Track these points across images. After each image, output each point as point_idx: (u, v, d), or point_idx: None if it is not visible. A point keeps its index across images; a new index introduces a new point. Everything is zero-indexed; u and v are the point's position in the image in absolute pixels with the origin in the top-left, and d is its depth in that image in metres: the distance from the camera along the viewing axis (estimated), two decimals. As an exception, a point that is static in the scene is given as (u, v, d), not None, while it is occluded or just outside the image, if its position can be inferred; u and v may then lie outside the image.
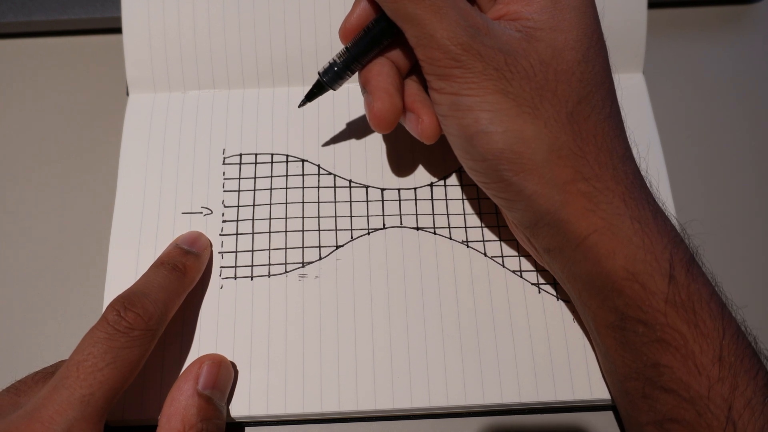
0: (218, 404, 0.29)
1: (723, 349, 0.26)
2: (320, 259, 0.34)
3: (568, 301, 0.33)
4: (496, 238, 0.34)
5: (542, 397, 0.31)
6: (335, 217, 0.35)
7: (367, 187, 0.36)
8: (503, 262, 0.34)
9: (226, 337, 0.32)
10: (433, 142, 0.31)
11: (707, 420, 0.25)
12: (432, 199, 0.35)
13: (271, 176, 0.36)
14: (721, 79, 0.41)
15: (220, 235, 0.34)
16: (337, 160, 0.36)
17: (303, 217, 0.35)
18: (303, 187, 0.36)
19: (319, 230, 0.35)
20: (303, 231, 0.35)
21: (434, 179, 0.36)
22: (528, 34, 0.27)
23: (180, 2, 0.37)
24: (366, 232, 0.35)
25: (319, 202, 0.35)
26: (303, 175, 0.36)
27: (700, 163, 0.38)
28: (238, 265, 0.34)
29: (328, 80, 0.32)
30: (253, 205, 0.35)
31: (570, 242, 0.28)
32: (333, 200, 0.35)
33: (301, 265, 0.34)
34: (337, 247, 0.34)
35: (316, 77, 0.32)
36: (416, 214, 0.35)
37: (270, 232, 0.35)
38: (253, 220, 0.35)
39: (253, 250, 0.34)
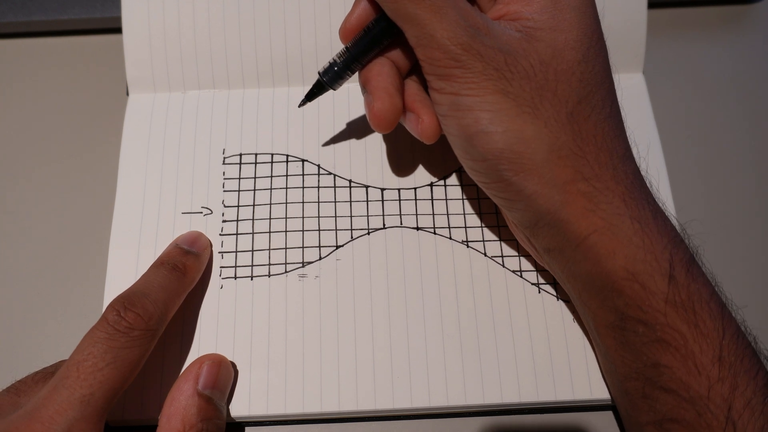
0: (218, 404, 0.29)
1: (723, 349, 0.26)
2: (320, 259, 0.34)
3: (568, 301, 0.33)
4: (496, 238, 0.34)
5: (542, 397, 0.31)
6: (335, 217, 0.35)
7: (367, 187, 0.36)
8: (503, 262, 0.34)
9: (226, 337, 0.32)
10: (433, 142, 0.31)
11: (707, 420, 0.25)
12: (432, 199, 0.35)
13: (271, 176, 0.36)
14: (721, 79, 0.41)
15: (220, 235, 0.34)
16: (337, 160, 0.36)
17: (303, 217, 0.35)
18: (303, 187, 0.36)
19: (319, 230, 0.35)
20: (303, 231, 0.35)
21: (434, 179, 0.36)
22: (528, 34, 0.27)
23: (180, 2, 0.37)
24: (366, 232, 0.35)
25: (319, 202, 0.35)
26: (303, 175, 0.36)
27: (700, 163, 0.38)
28: (238, 265, 0.34)
29: (328, 80, 0.32)
30: (253, 205, 0.35)
31: (570, 242, 0.28)
32: (333, 200, 0.35)
33: (301, 265, 0.34)
34: (337, 247, 0.34)
35: (316, 77, 0.32)
36: (416, 214, 0.35)
37: (270, 232, 0.35)
38: (253, 220, 0.35)
39: (253, 250, 0.34)
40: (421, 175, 0.36)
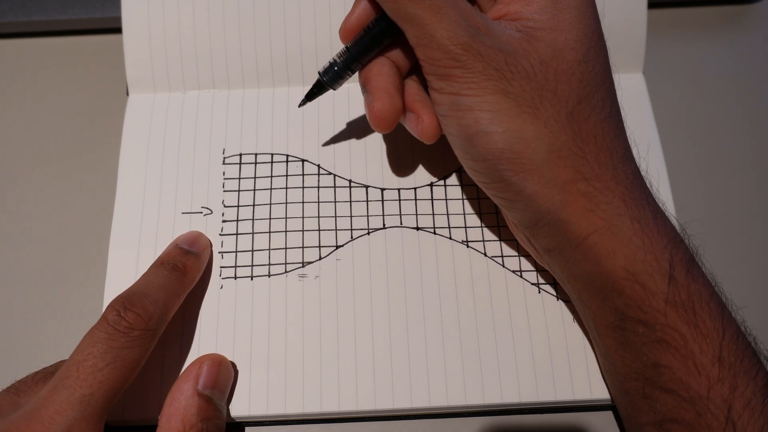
0: (218, 404, 0.29)
1: (723, 350, 0.26)
2: (320, 259, 0.34)
3: (568, 301, 0.33)
4: (496, 238, 0.34)
5: (542, 397, 0.31)
6: (335, 217, 0.35)
7: (367, 187, 0.36)
8: (503, 262, 0.34)
9: (226, 337, 0.32)
10: (433, 142, 0.31)
11: (707, 420, 0.25)
12: (432, 199, 0.35)
13: (271, 176, 0.36)
14: (721, 79, 0.41)
15: (220, 235, 0.34)
16: (337, 160, 0.36)
17: (303, 217, 0.35)
18: (303, 187, 0.36)
19: (319, 230, 0.35)
20: (303, 231, 0.35)
21: (434, 179, 0.36)
22: (528, 34, 0.27)
23: (180, 2, 0.37)
24: (366, 232, 0.35)
25: (319, 202, 0.35)
26: (303, 175, 0.36)
27: (700, 163, 0.38)
28: (238, 265, 0.34)
29: (328, 80, 0.32)
30: (253, 205, 0.35)
31: (570, 242, 0.28)
32: (333, 200, 0.35)
33: (301, 265, 0.34)
34: (337, 247, 0.34)
35: (316, 77, 0.32)
36: (416, 214, 0.35)
37: (270, 232, 0.35)
38: (253, 220, 0.35)
39: (253, 250, 0.34)
40: (421, 175, 0.36)
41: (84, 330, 0.27)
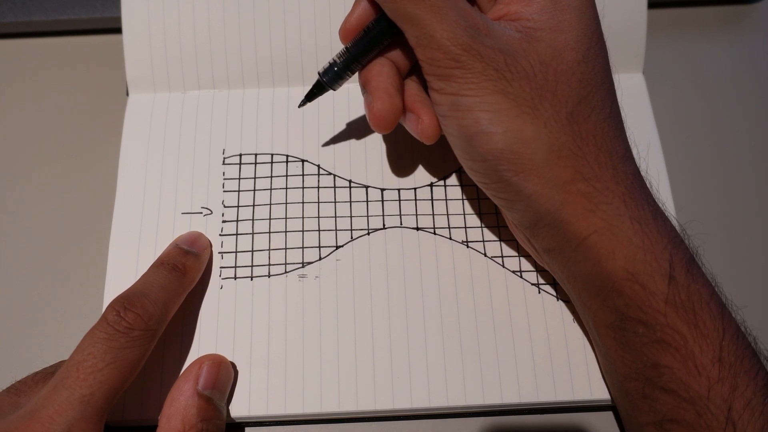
0: (218, 404, 0.29)
1: (723, 350, 0.26)
2: (320, 259, 0.34)
3: (568, 302, 0.33)
4: (496, 238, 0.34)
5: (542, 398, 0.31)
6: (335, 217, 0.35)
7: (367, 187, 0.36)
8: (503, 262, 0.34)
9: (226, 337, 0.32)
10: (433, 142, 0.31)
11: (707, 420, 0.25)
12: (432, 199, 0.35)
13: (271, 176, 0.36)
14: (721, 79, 0.41)
15: (220, 235, 0.34)
16: (337, 160, 0.36)
17: (303, 218, 0.35)
18: (303, 188, 0.36)
19: (319, 230, 0.35)
20: (303, 231, 0.35)
21: (434, 179, 0.36)
22: (528, 34, 0.27)
23: (180, 2, 0.37)
24: (366, 232, 0.35)
25: (318, 203, 0.35)
26: (303, 175, 0.36)
27: (700, 163, 0.38)
28: (238, 265, 0.34)
29: (328, 80, 0.32)
30: (253, 206, 0.35)
31: (570, 242, 0.28)
32: (333, 200, 0.35)
33: (300, 265, 0.34)
34: (337, 247, 0.34)
35: (316, 77, 0.32)
36: (416, 215, 0.35)
37: (270, 233, 0.35)
38: (252, 220, 0.35)
39: (252, 251, 0.34)
40: (421, 175, 0.36)
41: (84, 330, 0.27)
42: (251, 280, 0.33)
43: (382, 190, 0.36)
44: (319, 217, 0.35)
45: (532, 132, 0.27)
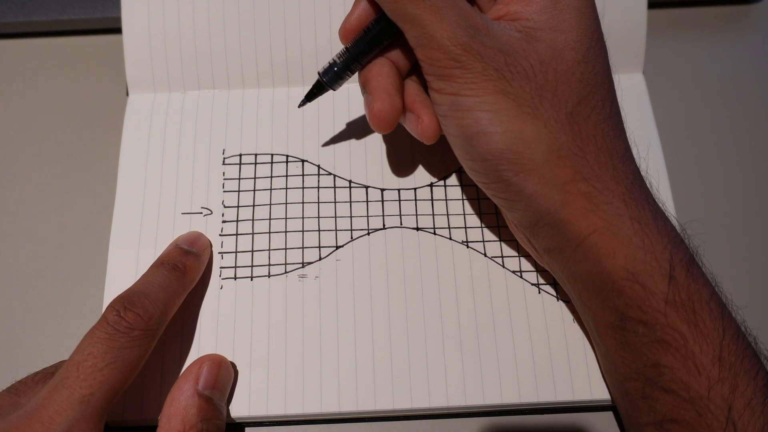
0: (218, 404, 0.29)
1: (723, 350, 0.26)
2: (320, 259, 0.34)
3: (568, 302, 0.33)
4: (496, 239, 0.34)
5: (542, 398, 0.31)
6: (335, 217, 0.35)
7: (367, 187, 0.36)
8: (503, 262, 0.34)
9: (226, 337, 0.32)
10: (433, 142, 0.31)
11: (707, 420, 0.25)
12: (432, 200, 0.35)
13: (271, 176, 0.36)
14: (721, 79, 0.41)
15: (220, 235, 0.34)
16: (337, 161, 0.36)
17: (303, 218, 0.35)
18: (303, 188, 0.36)
19: (319, 230, 0.35)
20: (303, 231, 0.35)
21: (434, 179, 0.36)
22: (528, 34, 0.27)
23: (180, 2, 0.37)
24: (366, 232, 0.35)
25: (318, 203, 0.35)
26: (303, 175, 0.36)
27: (700, 163, 0.38)
28: (237, 265, 0.34)
29: (328, 80, 0.32)
30: (253, 206, 0.35)
31: (570, 242, 0.28)
32: (333, 200, 0.35)
33: (300, 265, 0.34)
34: (337, 247, 0.34)
35: (316, 77, 0.32)
36: (416, 215, 0.35)
37: (270, 233, 0.35)
38: (252, 220, 0.35)
39: (252, 251, 0.34)
40: (421, 175, 0.36)
41: (84, 330, 0.27)
42: (251, 280, 0.33)
43: (382, 190, 0.36)
44: (319, 217, 0.35)
45: (532, 132, 0.27)
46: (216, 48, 0.37)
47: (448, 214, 0.35)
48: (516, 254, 0.34)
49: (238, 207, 0.35)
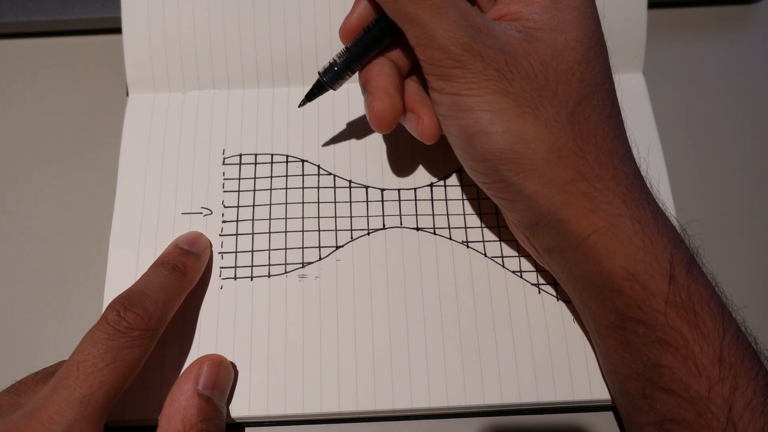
0: (218, 404, 0.29)
1: (723, 350, 0.26)
2: (320, 259, 0.34)
3: (568, 302, 0.33)
4: (496, 239, 0.34)
5: (542, 398, 0.31)
6: (335, 217, 0.35)
7: (367, 187, 0.36)
8: (503, 262, 0.34)
9: (226, 337, 0.32)
10: (433, 142, 0.31)
11: (707, 420, 0.25)
12: (432, 200, 0.35)
13: (271, 176, 0.36)
14: (721, 79, 0.41)
15: (220, 235, 0.34)
16: (337, 161, 0.36)
17: (303, 218, 0.35)
18: (303, 188, 0.36)
19: (319, 230, 0.35)
20: (303, 231, 0.34)
21: (434, 179, 0.36)
22: (528, 34, 0.27)
23: (180, 2, 0.37)
24: (366, 232, 0.35)
25: (318, 203, 0.35)
26: (303, 175, 0.36)
27: (700, 163, 0.38)
28: (238, 265, 0.34)
29: (328, 80, 0.32)
30: (253, 206, 0.35)
31: (570, 242, 0.28)
32: (333, 200, 0.35)
33: (300, 265, 0.34)
34: (337, 247, 0.34)
35: (316, 77, 0.32)
36: (416, 215, 0.35)
37: (270, 233, 0.35)
38: (252, 220, 0.35)
39: (252, 251, 0.34)
40: (421, 175, 0.36)
41: (84, 330, 0.27)
42: (251, 280, 0.33)
43: (382, 190, 0.36)
44: (319, 217, 0.35)
45: (532, 132, 0.27)
46: (216, 48, 0.37)
47: (448, 214, 0.35)
48: (516, 254, 0.34)
49: (238, 207, 0.35)
